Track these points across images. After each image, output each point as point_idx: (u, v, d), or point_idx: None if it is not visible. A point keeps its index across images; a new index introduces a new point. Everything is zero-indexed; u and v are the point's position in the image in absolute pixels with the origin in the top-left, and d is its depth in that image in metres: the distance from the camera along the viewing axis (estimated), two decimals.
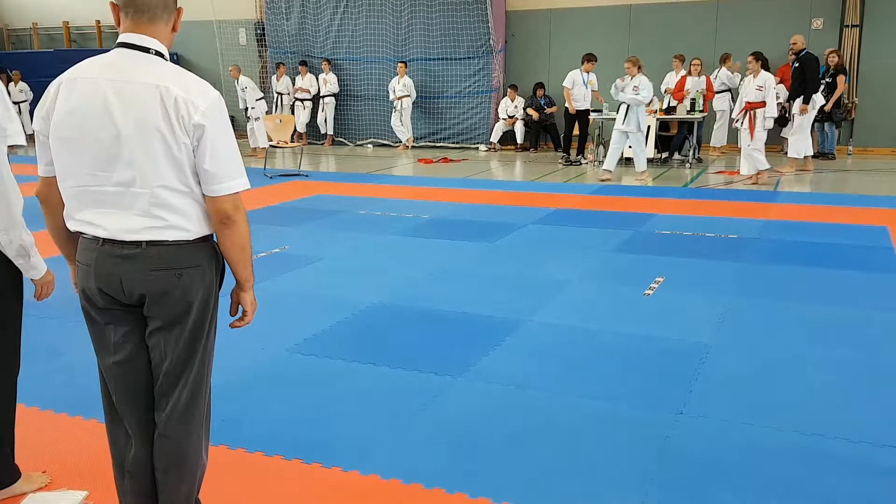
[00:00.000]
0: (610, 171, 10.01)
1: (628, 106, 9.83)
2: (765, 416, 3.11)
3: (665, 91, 12.08)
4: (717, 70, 12.00)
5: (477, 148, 13.79)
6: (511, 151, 13.54)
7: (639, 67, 9.81)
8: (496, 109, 13.62)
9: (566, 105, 11.45)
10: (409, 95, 13.64)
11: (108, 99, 1.85)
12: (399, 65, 13.61)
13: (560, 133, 12.68)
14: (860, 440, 2.91)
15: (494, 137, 13.56)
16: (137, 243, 1.92)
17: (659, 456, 2.81)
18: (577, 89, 11.27)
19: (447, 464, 2.76)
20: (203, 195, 1.94)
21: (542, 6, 13.49)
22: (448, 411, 3.21)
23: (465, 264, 5.64)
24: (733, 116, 10.04)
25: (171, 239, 1.93)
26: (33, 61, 16.23)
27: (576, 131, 11.74)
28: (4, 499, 2.52)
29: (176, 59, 16.15)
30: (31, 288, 2.47)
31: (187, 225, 1.94)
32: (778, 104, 10.05)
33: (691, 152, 11.40)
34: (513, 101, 13.36)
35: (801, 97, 9.98)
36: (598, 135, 11.88)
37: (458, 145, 14.02)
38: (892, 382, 3.46)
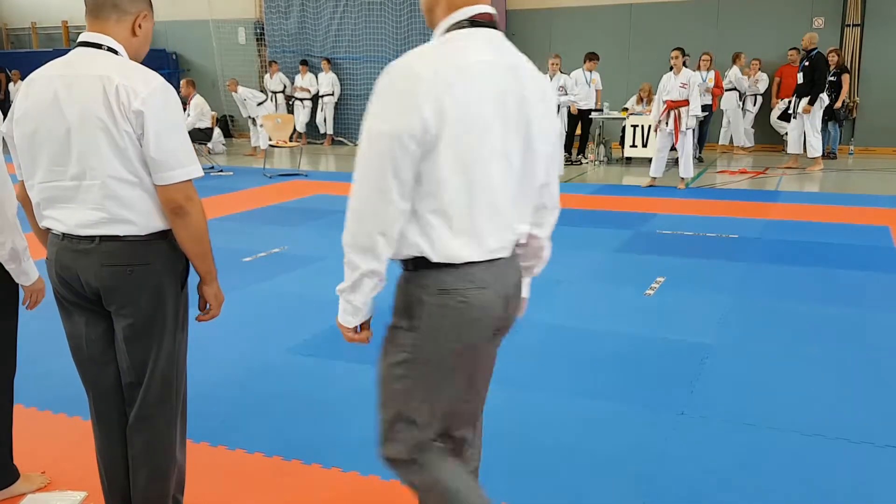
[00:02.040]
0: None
1: (557, 106, 9.61)
2: (766, 416, 3.10)
3: None
4: (728, 69, 11.91)
5: None
6: None
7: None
8: None
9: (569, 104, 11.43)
10: None
11: (58, 94, 1.90)
12: None
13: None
14: (861, 440, 2.91)
15: None
16: (91, 238, 1.94)
17: (660, 457, 2.80)
18: (580, 88, 11.24)
19: None
20: (154, 185, 1.94)
21: (542, 6, 13.48)
22: None
23: None
24: (658, 118, 9.10)
25: (122, 234, 1.93)
26: (32, 61, 16.08)
27: (577, 131, 11.73)
28: (4, 499, 2.51)
29: (175, 58, 16.15)
30: None
31: (136, 218, 1.93)
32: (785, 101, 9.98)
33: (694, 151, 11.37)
34: None
35: (809, 96, 9.96)
36: (599, 134, 11.87)
37: None
38: (893, 382, 3.45)
